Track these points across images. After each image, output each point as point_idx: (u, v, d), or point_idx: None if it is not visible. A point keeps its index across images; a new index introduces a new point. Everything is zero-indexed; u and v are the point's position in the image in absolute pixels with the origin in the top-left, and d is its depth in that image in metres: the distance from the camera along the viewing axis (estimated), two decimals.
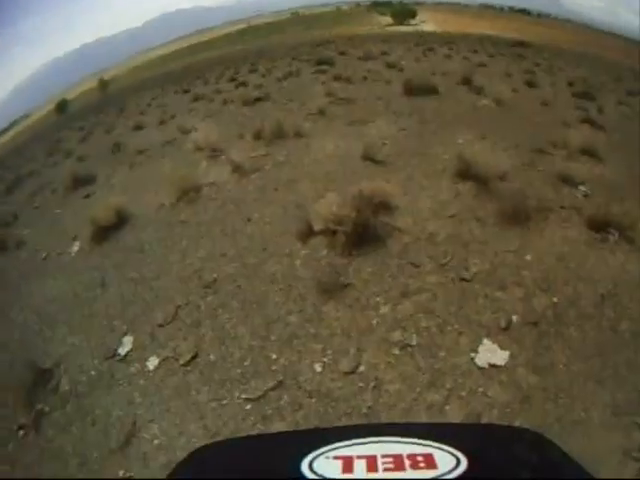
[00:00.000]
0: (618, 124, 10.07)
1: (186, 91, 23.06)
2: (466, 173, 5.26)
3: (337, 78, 14.12)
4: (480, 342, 3.27)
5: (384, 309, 3.60)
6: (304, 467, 0.58)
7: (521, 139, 7.08)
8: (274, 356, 3.42)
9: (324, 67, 18.07)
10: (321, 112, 9.35)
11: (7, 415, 3.81)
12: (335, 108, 9.70)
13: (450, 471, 0.56)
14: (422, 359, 3.20)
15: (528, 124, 8.43)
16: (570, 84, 16.05)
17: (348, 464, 0.59)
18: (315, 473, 0.57)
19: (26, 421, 3.70)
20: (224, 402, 3.23)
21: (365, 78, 13.98)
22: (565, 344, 3.25)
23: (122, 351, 3.98)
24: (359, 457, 0.60)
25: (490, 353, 3.17)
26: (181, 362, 3.62)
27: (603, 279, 3.85)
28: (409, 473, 0.56)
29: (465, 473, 0.56)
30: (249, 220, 5.27)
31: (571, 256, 4.12)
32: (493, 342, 3.26)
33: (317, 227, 4.44)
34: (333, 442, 0.63)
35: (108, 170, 9.73)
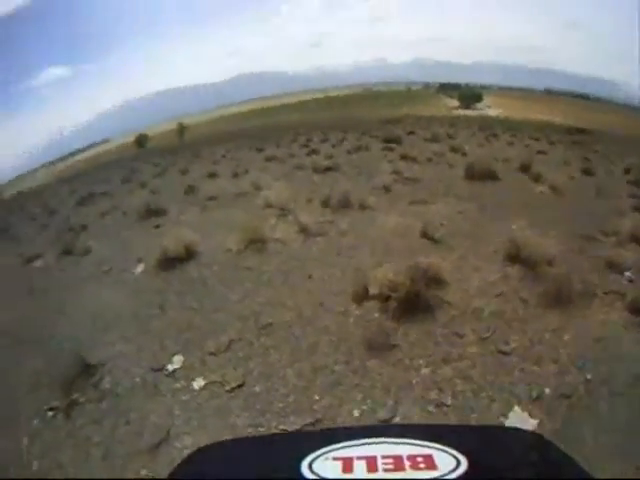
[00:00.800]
0: None
1: (260, 150, 24.08)
2: (516, 257, 5.44)
3: (403, 157, 14.63)
4: (511, 409, 3.37)
5: (425, 371, 3.76)
6: (304, 468, 0.59)
7: (572, 226, 7.21)
8: (316, 397, 3.61)
9: (392, 145, 18.74)
10: (386, 188, 9.76)
11: (42, 397, 4.07)
12: (399, 186, 10.10)
13: (450, 472, 0.57)
14: (454, 418, 3.32)
15: (581, 212, 8.52)
16: (626, 171, 15.93)
17: (348, 465, 0.59)
18: (315, 474, 0.58)
19: (59, 405, 3.94)
20: (261, 429, 3.39)
21: (430, 159, 14.46)
22: (594, 418, 3.29)
23: (170, 368, 4.24)
24: (359, 458, 0.60)
25: (520, 420, 3.24)
26: (226, 388, 3.84)
27: (638, 360, 3.88)
28: (409, 474, 0.57)
29: (465, 474, 0.57)
30: (310, 277, 5.57)
31: (609, 338, 4.17)
32: (523, 410, 3.35)
33: (372, 291, 4.69)
34: (333, 443, 0.64)
35: (180, 208, 10.32)
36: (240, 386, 3.86)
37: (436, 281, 4.75)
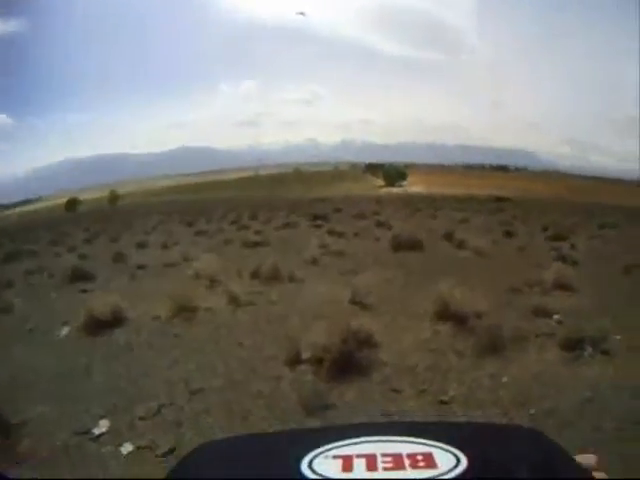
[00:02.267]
0: (589, 256, 10.80)
1: (190, 224, 24.14)
2: (445, 314, 5.77)
3: (331, 232, 15.29)
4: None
5: None
6: (304, 466, 0.59)
7: (498, 282, 7.71)
8: None
9: (320, 222, 19.43)
10: (314, 261, 10.11)
11: None
12: (327, 259, 10.50)
13: (450, 470, 0.56)
14: None
15: (505, 269, 9.14)
16: (544, 229, 17.05)
17: (348, 463, 0.59)
18: (315, 472, 0.57)
19: None
20: None
21: (356, 234, 15.15)
22: None
23: (96, 431, 4.03)
24: (358, 456, 0.60)
25: None
26: (157, 453, 3.70)
27: (580, 388, 4.09)
28: (409, 472, 0.56)
29: (465, 472, 0.56)
30: (240, 344, 5.61)
31: (547, 374, 4.41)
32: None
33: (305, 355, 4.81)
34: (333, 441, 0.63)
35: (108, 274, 10.19)
36: (171, 451, 3.73)
37: (368, 342, 4.93)
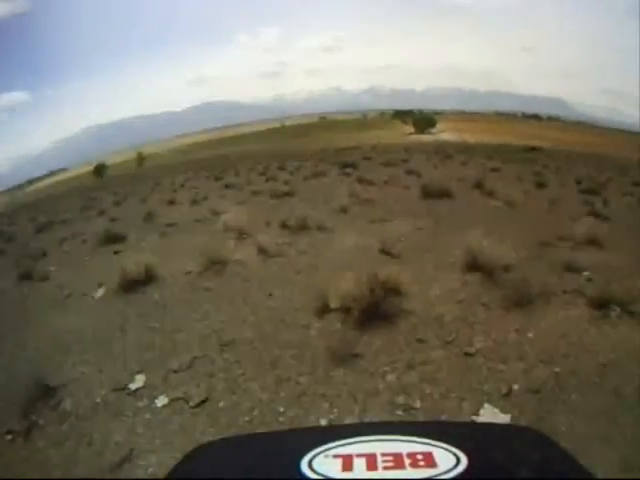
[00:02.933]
0: (622, 213, 10.62)
1: (218, 178, 24.28)
2: (473, 265, 5.67)
3: (360, 181, 15.11)
4: (481, 406, 3.43)
5: (390, 377, 3.81)
6: (304, 465, 0.59)
7: (528, 234, 7.56)
8: (282, 409, 3.61)
9: (348, 170, 19.24)
10: (343, 210, 10.01)
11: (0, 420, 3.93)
12: (357, 208, 10.37)
13: (450, 470, 0.57)
14: (423, 419, 3.35)
15: (536, 221, 8.97)
16: (577, 182, 16.85)
17: (348, 462, 0.59)
18: (315, 471, 0.58)
19: (17, 428, 3.82)
20: None
21: (386, 182, 14.91)
22: (567, 409, 3.36)
23: (132, 387, 4.17)
24: (359, 455, 0.60)
25: (491, 416, 3.29)
26: (190, 404, 3.80)
27: (604, 350, 4.01)
28: (409, 471, 0.57)
29: (465, 471, 0.57)
30: (270, 295, 5.63)
31: (573, 332, 4.33)
32: (494, 407, 3.41)
33: (333, 305, 4.79)
34: (333, 440, 0.63)
35: (139, 234, 10.37)
36: (204, 402, 3.83)
37: (396, 291, 4.87)
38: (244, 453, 0.68)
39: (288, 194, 13.47)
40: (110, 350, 4.89)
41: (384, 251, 6.63)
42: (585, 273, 5.77)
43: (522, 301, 4.78)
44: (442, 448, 0.60)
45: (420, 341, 4.29)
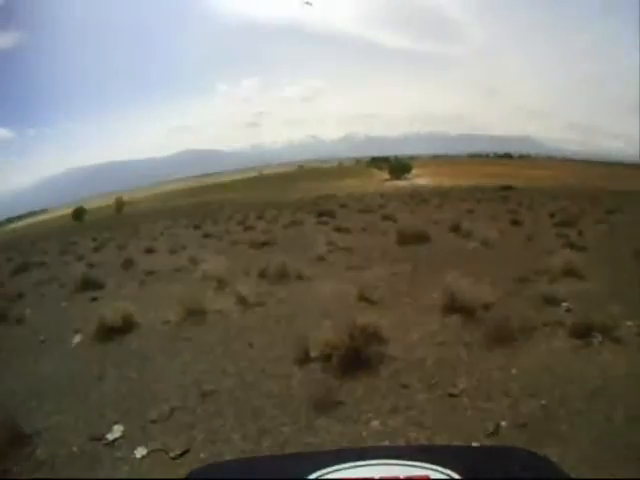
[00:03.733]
0: (598, 242, 10.80)
1: (197, 227, 24.32)
2: (453, 306, 5.78)
3: (337, 229, 15.31)
4: None
5: (374, 423, 3.81)
6: None
7: (506, 272, 7.72)
8: None
9: (326, 218, 19.49)
10: (321, 259, 10.14)
11: None
12: (335, 255, 10.53)
13: None
14: None
15: (513, 258, 9.14)
16: (551, 216, 17.12)
17: None
18: None
19: None
20: None
21: (363, 229, 15.17)
22: (557, 440, 3.37)
23: (110, 437, 4.07)
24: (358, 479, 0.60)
25: None
26: (170, 455, 3.74)
27: (591, 378, 4.08)
28: None
29: None
30: (250, 345, 5.63)
31: (557, 363, 4.39)
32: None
33: (313, 353, 4.84)
34: (332, 465, 0.64)
35: (118, 281, 10.30)
36: (185, 453, 3.77)
37: (376, 337, 4.93)
38: (248, 474, 0.68)
39: (267, 243, 13.56)
40: (87, 399, 4.80)
41: (363, 297, 6.71)
42: (564, 304, 5.93)
43: (504, 338, 4.88)
44: (438, 471, 0.61)
45: (403, 386, 4.32)
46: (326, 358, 4.69)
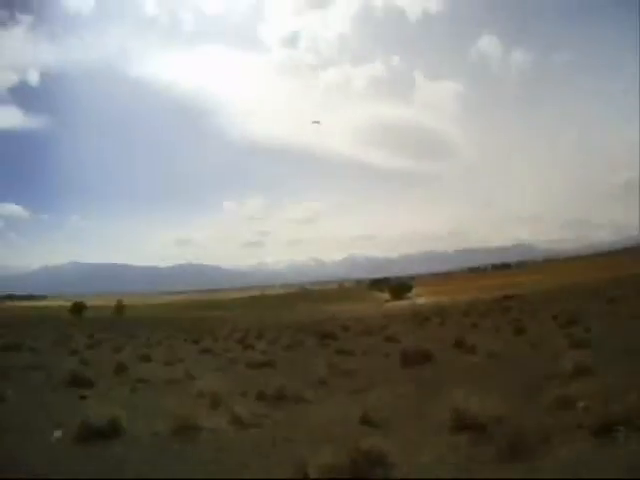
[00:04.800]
0: (604, 335, 10.63)
1: (195, 342, 24.25)
2: (462, 425, 5.48)
3: (339, 351, 15.02)
4: None
5: None
6: None
7: (515, 382, 7.47)
8: None
9: (327, 341, 19.26)
10: (322, 382, 9.80)
11: None
12: (336, 379, 10.17)
13: None
14: None
15: (521, 367, 8.88)
16: (554, 317, 17.00)
17: None
18: None
19: None
20: None
21: (365, 352, 14.83)
22: None
23: None
24: None
25: None
26: None
27: (619, 474, 3.80)
28: None
29: None
30: (245, 466, 5.23)
31: (581, 467, 4.03)
32: None
33: (313, 477, 4.48)
34: None
35: (109, 384, 10.07)
36: None
37: (381, 462, 4.58)
38: None
39: (265, 364, 13.24)
40: None
41: (366, 420, 6.41)
42: (580, 404, 5.65)
43: (519, 450, 4.53)
44: None
45: None
46: None
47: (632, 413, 4.66)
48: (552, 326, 15.34)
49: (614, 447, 4.36)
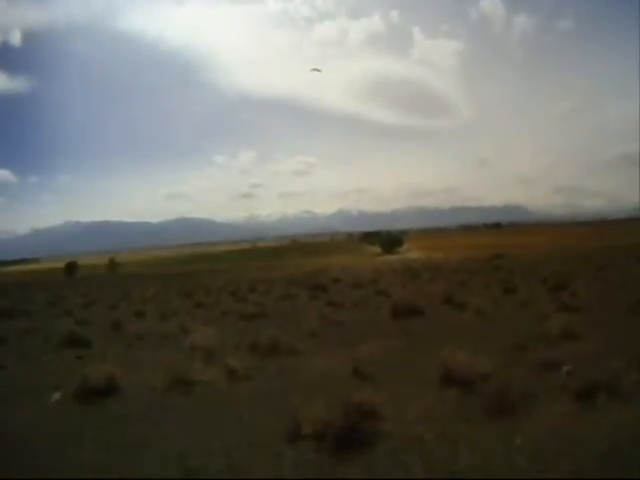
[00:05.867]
0: (592, 301, 10.89)
1: (188, 295, 24.30)
2: (450, 380, 5.64)
3: (330, 303, 15.29)
4: None
5: None
6: None
7: (502, 341, 7.62)
8: None
9: (318, 293, 19.49)
10: (313, 334, 9.98)
11: None
12: (327, 330, 10.37)
13: None
14: None
15: (508, 326, 9.10)
16: (544, 281, 17.27)
17: None
18: None
19: None
20: None
21: (356, 304, 15.10)
22: None
23: None
24: None
25: None
26: None
27: (600, 439, 3.89)
28: None
29: None
30: (239, 419, 5.35)
31: (563, 428, 4.18)
32: None
33: (305, 431, 4.57)
34: None
35: (105, 342, 10.14)
36: None
37: (372, 414, 4.71)
38: None
39: (258, 316, 13.44)
40: (61, 461, 4.53)
41: (357, 373, 6.55)
42: (565, 367, 5.81)
43: (505, 408, 4.69)
44: None
45: (402, 464, 4.02)
46: (319, 436, 4.44)
47: (613, 378, 4.82)
48: (541, 288, 15.53)
49: (595, 411, 4.50)
